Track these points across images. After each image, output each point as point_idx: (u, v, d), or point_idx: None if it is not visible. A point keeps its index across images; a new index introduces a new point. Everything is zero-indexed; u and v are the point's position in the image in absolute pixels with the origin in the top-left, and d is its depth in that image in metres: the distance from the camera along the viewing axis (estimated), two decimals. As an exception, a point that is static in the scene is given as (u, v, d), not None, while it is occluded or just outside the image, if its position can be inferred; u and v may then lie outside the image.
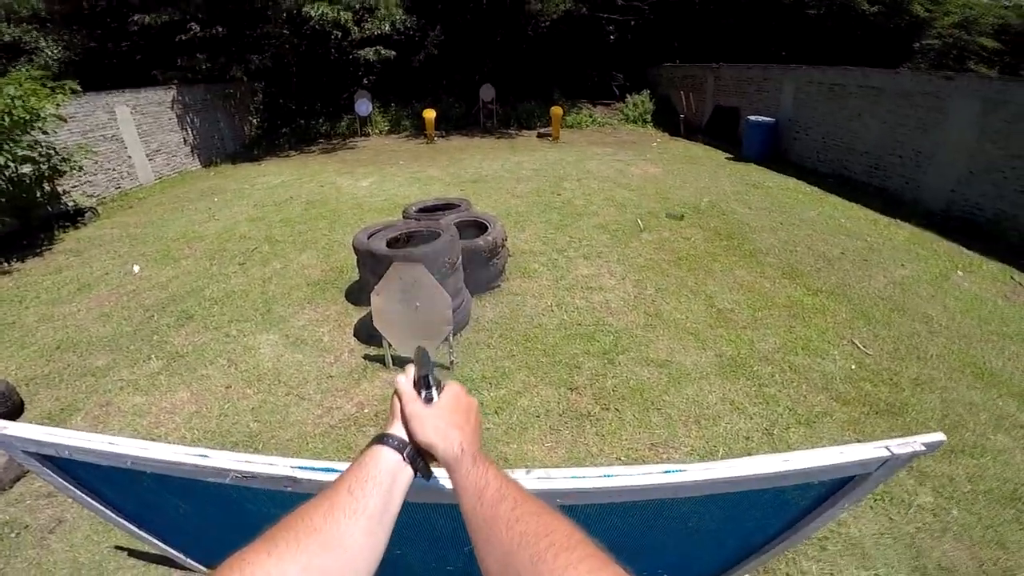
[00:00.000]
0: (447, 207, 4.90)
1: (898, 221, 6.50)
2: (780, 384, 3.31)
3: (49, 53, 11.12)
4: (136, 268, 5.19)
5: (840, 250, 5.47)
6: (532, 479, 0.78)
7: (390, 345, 3.39)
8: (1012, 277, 5.06)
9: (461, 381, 3.21)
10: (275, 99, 13.22)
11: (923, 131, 7.30)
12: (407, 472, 0.63)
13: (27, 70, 6.47)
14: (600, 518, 0.85)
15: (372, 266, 3.75)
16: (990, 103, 6.40)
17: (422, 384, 0.70)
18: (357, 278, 4.38)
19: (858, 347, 3.75)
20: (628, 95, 14.66)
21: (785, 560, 2.16)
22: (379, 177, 8.63)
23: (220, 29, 10.66)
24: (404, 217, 4.76)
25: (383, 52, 12.01)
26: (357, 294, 4.32)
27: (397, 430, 0.66)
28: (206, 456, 0.78)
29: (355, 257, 4.19)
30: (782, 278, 4.80)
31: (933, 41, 14.69)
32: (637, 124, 13.95)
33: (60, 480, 0.95)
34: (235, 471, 0.77)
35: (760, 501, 0.87)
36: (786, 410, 3.08)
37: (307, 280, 4.75)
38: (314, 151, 11.71)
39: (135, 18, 10.68)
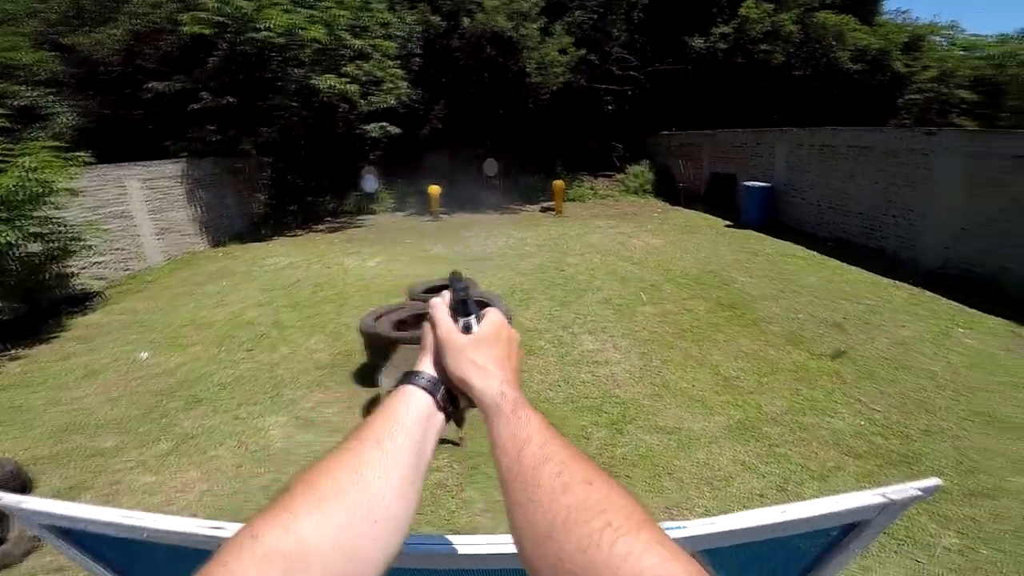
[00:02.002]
0: (452, 287, 5.16)
1: (896, 282, 6.77)
2: (790, 443, 3.46)
3: (63, 119, 11.19)
4: (144, 355, 5.40)
5: (842, 315, 5.68)
6: (497, 543, 0.74)
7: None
8: (1012, 331, 5.23)
9: (470, 457, 3.36)
10: (283, 175, 13.54)
11: (912, 188, 7.70)
12: (439, 418, 0.56)
13: (42, 138, 6.57)
14: None
15: (378, 349, 3.97)
16: (973, 157, 6.80)
17: (459, 309, 0.62)
18: (365, 361, 4.58)
19: (865, 404, 3.91)
20: (628, 166, 15.44)
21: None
22: (386, 257, 9.03)
23: (231, 99, 11.06)
24: (410, 298, 5.02)
25: (389, 129, 12.47)
26: (364, 377, 4.49)
27: (427, 366, 0.59)
28: (222, 528, 0.77)
29: (362, 340, 4.42)
30: (786, 344, 4.99)
31: (915, 96, 15.60)
32: (638, 195, 14.59)
33: (76, 552, 0.97)
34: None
35: (768, 553, 0.90)
36: (798, 467, 3.21)
37: (315, 364, 4.96)
38: (321, 229, 12.21)
39: (149, 85, 11.13)
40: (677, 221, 11.30)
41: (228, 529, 0.77)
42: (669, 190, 13.91)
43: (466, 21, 13.22)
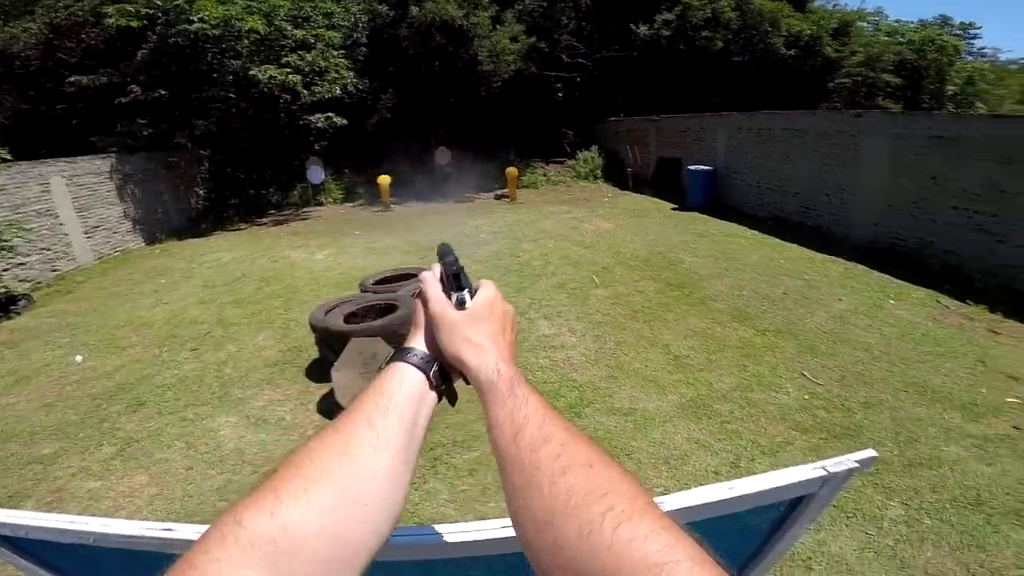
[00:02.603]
0: (405, 277, 5.14)
1: (832, 257, 7.19)
2: (741, 420, 3.61)
3: None
4: (79, 358, 5.13)
5: (782, 290, 5.99)
6: (497, 527, 0.74)
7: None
8: (938, 301, 5.66)
9: (431, 448, 3.37)
10: (222, 168, 13.08)
11: (843, 168, 8.17)
12: (431, 397, 0.55)
13: None
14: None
15: (330, 343, 3.92)
16: (896, 138, 7.27)
17: (451, 283, 0.60)
18: (317, 356, 4.49)
19: (808, 378, 4.12)
20: (579, 152, 15.64)
21: (777, 583, 2.34)
22: (335, 249, 8.83)
23: (163, 92, 10.61)
24: (361, 290, 4.95)
25: (335, 119, 12.24)
26: (318, 372, 4.41)
27: (419, 343, 0.57)
28: (171, 530, 0.74)
29: (313, 335, 4.34)
30: (732, 321, 5.22)
31: (845, 80, 16.46)
32: (588, 180, 14.82)
33: (22, 561, 0.93)
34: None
35: (720, 530, 0.92)
36: (749, 443, 3.36)
37: (265, 361, 4.82)
38: (266, 223, 11.82)
39: (72, 79, 10.53)
40: (626, 205, 11.55)
41: (178, 531, 0.75)
42: (618, 175, 14.19)
43: (415, 10, 13.03)
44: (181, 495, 3.13)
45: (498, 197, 13.12)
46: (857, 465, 0.82)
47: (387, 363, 0.56)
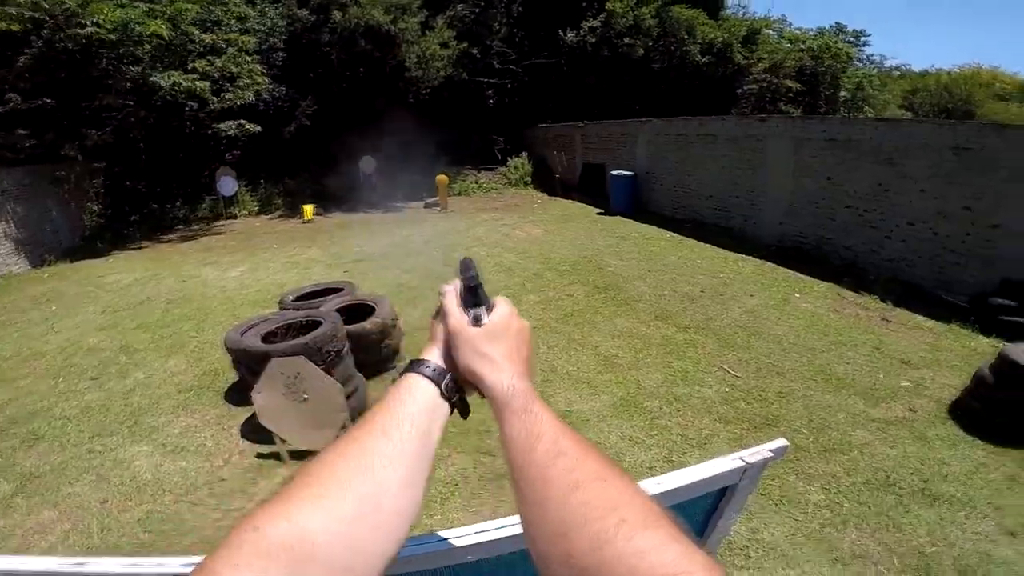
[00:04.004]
0: (328, 292, 5.03)
1: (744, 256, 7.80)
2: (669, 415, 3.86)
3: None
4: None
5: (700, 288, 6.44)
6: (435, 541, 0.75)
7: (283, 441, 3.43)
8: (838, 294, 6.29)
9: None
10: (120, 181, 12.20)
11: (752, 171, 8.87)
12: (444, 409, 0.57)
13: None
14: (511, 568, 0.83)
15: (249, 365, 3.75)
16: (797, 142, 8.00)
17: (469, 299, 0.62)
18: (236, 379, 4.33)
19: (728, 371, 4.47)
20: (509, 158, 15.85)
21: (716, 575, 2.53)
22: (251, 265, 8.48)
23: (48, 101, 9.83)
24: (281, 308, 4.80)
25: (248, 126, 11.70)
26: (238, 395, 4.25)
27: (434, 355, 0.60)
28: (84, 563, 0.72)
29: (229, 357, 4.16)
30: (655, 320, 5.55)
31: (752, 86, 17.72)
32: (519, 186, 15.08)
33: None
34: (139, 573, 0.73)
35: None
36: (679, 437, 3.59)
37: (178, 387, 4.59)
38: (172, 239, 11.12)
39: None
40: (555, 211, 11.90)
41: (92, 564, 0.73)
42: (548, 181, 14.56)
43: (338, 15, 12.71)
44: (99, 528, 2.99)
45: (428, 205, 13.07)
46: (772, 454, 0.87)
47: (401, 375, 0.58)
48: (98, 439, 3.88)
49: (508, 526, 0.74)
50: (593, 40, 15.74)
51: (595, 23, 15.74)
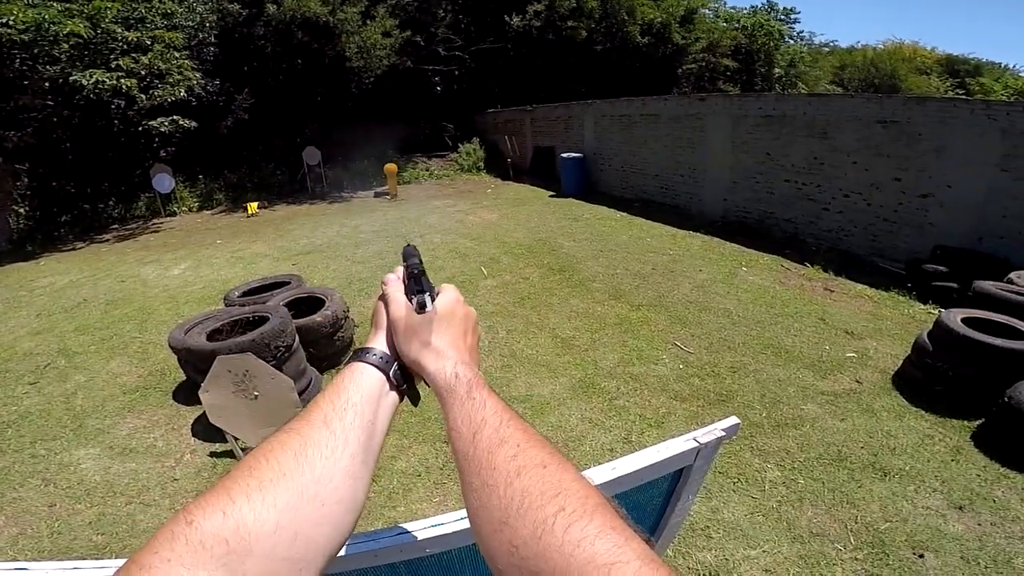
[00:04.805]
0: (276, 286, 4.85)
1: (691, 232, 7.96)
2: (626, 395, 3.85)
3: None
4: None
5: (651, 266, 6.52)
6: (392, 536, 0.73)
7: (236, 439, 3.28)
8: (782, 265, 6.48)
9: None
10: (46, 182, 11.48)
11: (693, 149, 9.03)
12: (391, 397, 0.56)
13: None
14: (472, 561, 0.82)
15: (195, 363, 3.63)
16: (735, 118, 8.17)
17: (412, 286, 0.60)
18: (184, 378, 4.12)
19: (681, 348, 4.52)
20: (460, 144, 15.62)
21: (680, 555, 2.49)
22: (193, 261, 8.03)
23: None
24: (226, 304, 4.61)
25: (181, 122, 11.23)
26: (186, 394, 4.07)
27: (380, 343, 0.58)
28: (25, 569, 0.69)
29: (175, 356, 3.97)
30: (609, 300, 5.58)
31: (691, 65, 18.03)
32: (471, 172, 14.88)
33: None
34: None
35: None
36: (637, 417, 3.59)
37: (122, 388, 4.34)
38: (107, 239, 10.43)
39: None
40: (508, 195, 11.80)
41: (32, 570, 0.69)
42: (499, 166, 14.44)
43: (272, 8, 12.13)
44: (48, 532, 2.88)
45: (378, 195, 12.72)
46: (724, 434, 0.87)
47: (346, 363, 0.56)
48: (41, 443, 3.70)
49: (465, 518, 0.71)
50: (538, 24, 15.64)
51: (539, 7, 15.64)
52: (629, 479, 0.81)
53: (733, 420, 0.89)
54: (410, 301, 0.59)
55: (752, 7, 21.15)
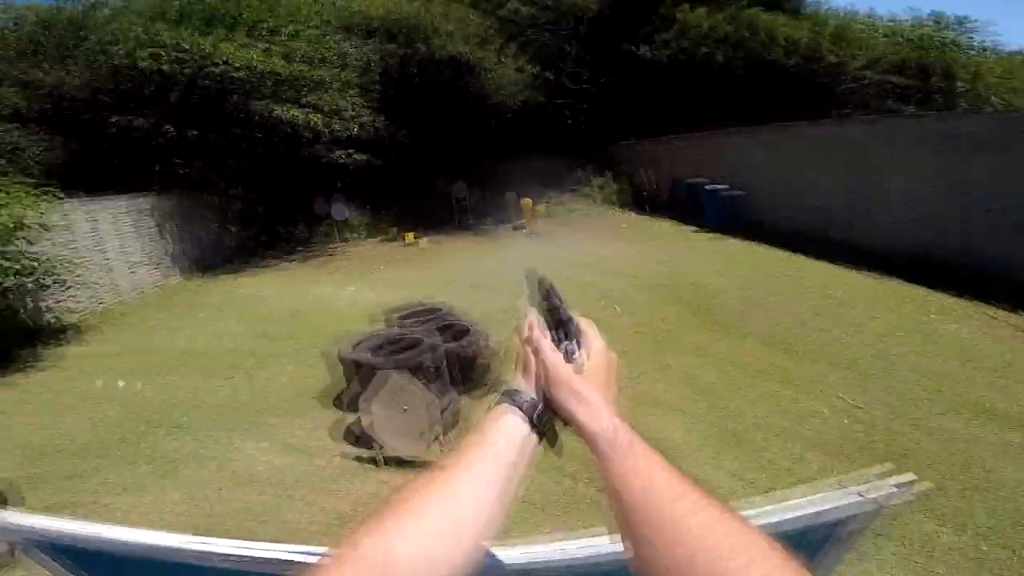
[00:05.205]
0: (428, 311, 5.27)
1: (859, 271, 7.03)
2: (773, 447, 3.50)
3: (31, 154, 10.89)
4: (121, 384, 5.37)
5: (811, 310, 5.88)
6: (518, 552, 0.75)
7: (380, 447, 3.61)
8: (986, 313, 5.45)
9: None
10: (252, 206, 13.51)
11: (862, 177, 8.01)
12: (533, 440, 0.56)
13: (11, 173, 6.53)
14: None
15: (358, 375, 4.03)
16: (915, 141, 7.14)
17: (559, 331, 0.60)
18: (344, 386, 4.58)
19: (846, 401, 3.98)
20: (593, 178, 15.67)
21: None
22: (360, 285, 9.01)
23: (195, 133, 11.13)
24: (386, 324, 5.08)
25: (355, 156, 12.62)
26: (345, 401, 4.49)
27: (526, 386, 0.58)
28: (206, 543, 0.81)
29: (341, 367, 4.42)
30: (759, 345, 5.13)
31: (852, 84, 16.07)
32: (606, 206, 14.81)
33: (58, 566, 0.94)
34: (243, 556, 0.81)
35: None
36: (784, 471, 3.24)
37: (295, 391, 4.95)
38: (294, 259, 12.15)
39: (113, 120, 11.09)
40: (646, 229, 11.60)
41: (213, 544, 0.82)
42: (635, 199, 14.20)
43: (422, 48, 13.46)
44: (209, 513, 3.23)
45: (516, 228, 13.20)
46: (895, 490, 0.80)
47: (495, 404, 0.58)
48: (224, 433, 4.25)
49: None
50: (668, 52, 15.28)
51: (668, 35, 15.27)
52: (769, 529, 0.75)
53: (909, 476, 0.80)
54: (556, 346, 0.58)
55: (914, 18, 18.46)
